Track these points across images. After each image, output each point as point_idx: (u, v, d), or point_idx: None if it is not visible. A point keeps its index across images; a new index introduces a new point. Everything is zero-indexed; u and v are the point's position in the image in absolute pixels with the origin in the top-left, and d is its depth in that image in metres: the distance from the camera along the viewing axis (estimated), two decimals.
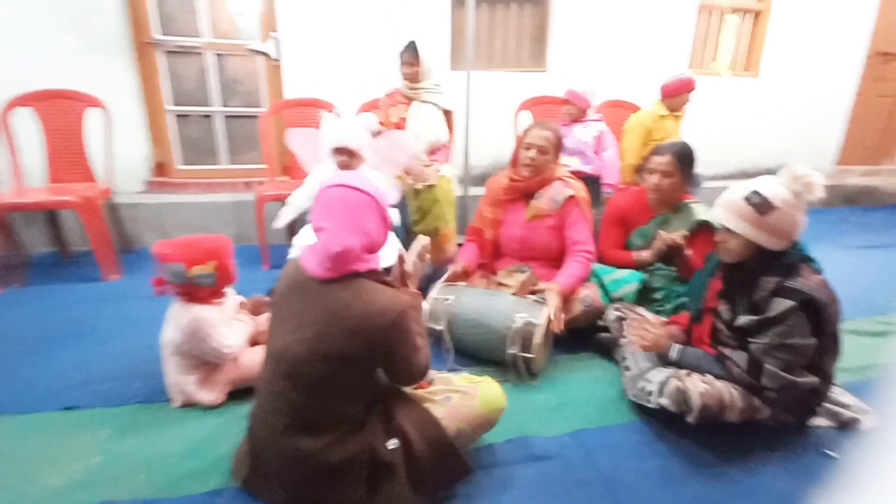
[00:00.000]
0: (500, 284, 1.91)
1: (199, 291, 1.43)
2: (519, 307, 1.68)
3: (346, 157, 1.86)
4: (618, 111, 3.21)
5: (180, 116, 3.16)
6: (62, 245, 2.77)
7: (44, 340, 1.89)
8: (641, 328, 1.53)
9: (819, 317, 1.27)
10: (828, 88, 4.19)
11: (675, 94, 2.80)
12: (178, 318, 1.43)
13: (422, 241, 1.31)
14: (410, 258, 1.26)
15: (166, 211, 2.95)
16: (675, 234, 1.75)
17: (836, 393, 1.57)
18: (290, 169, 3.02)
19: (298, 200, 2.10)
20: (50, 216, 2.71)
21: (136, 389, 1.59)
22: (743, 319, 1.35)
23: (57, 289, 2.37)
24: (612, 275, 1.90)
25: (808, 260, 1.35)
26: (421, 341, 1.14)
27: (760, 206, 1.27)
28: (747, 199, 1.29)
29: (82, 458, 1.31)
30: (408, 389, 1.24)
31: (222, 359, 1.47)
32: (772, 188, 1.29)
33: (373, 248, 1.06)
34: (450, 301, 1.75)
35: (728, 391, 1.33)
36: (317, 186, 2.06)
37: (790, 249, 1.33)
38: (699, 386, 1.32)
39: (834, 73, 4.16)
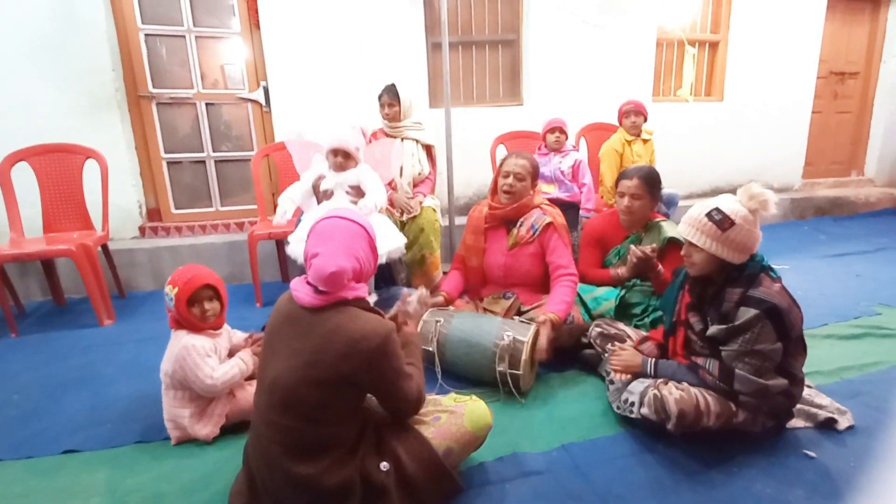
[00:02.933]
0: (487, 310, 1.98)
1: (168, 311, 1.52)
2: (506, 327, 1.75)
3: (342, 157, 1.94)
4: (599, 133, 3.44)
5: (173, 163, 3.28)
6: (57, 293, 2.81)
7: (42, 387, 1.91)
8: (615, 357, 1.62)
9: (782, 322, 1.35)
10: (788, 108, 4.44)
11: (620, 120, 3.09)
12: (172, 346, 1.50)
13: (421, 291, 1.45)
14: (413, 302, 1.36)
15: (161, 254, 3.02)
16: (645, 248, 1.85)
17: (812, 395, 1.64)
18: None
19: (293, 195, 2.17)
20: (45, 265, 2.77)
21: (134, 430, 1.61)
22: (713, 329, 1.43)
23: (53, 337, 2.40)
24: (592, 293, 1.99)
25: (768, 270, 1.45)
26: (411, 370, 1.19)
27: (721, 222, 1.37)
28: (708, 215, 1.40)
29: (81, 499, 1.32)
30: None
31: (207, 391, 1.49)
32: (730, 206, 1.39)
33: (361, 277, 1.14)
34: (440, 322, 1.82)
35: (703, 396, 1.39)
36: (309, 183, 2.16)
37: (750, 261, 1.42)
38: (674, 393, 1.39)
39: (791, 93, 4.43)
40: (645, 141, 3.09)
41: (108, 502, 1.32)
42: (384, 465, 1.14)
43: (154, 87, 3.13)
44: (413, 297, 1.41)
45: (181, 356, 1.46)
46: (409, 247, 2.55)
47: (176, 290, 1.47)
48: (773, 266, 1.47)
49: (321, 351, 1.05)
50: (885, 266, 3.19)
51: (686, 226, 1.45)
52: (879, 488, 1.30)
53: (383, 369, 1.08)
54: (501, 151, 3.36)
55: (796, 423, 1.55)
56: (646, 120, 3.06)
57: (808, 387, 1.64)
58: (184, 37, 3.13)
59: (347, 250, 1.09)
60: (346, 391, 1.09)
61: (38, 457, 1.50)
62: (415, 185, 2.71)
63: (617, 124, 3.17)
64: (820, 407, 1.59)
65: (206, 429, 1.53)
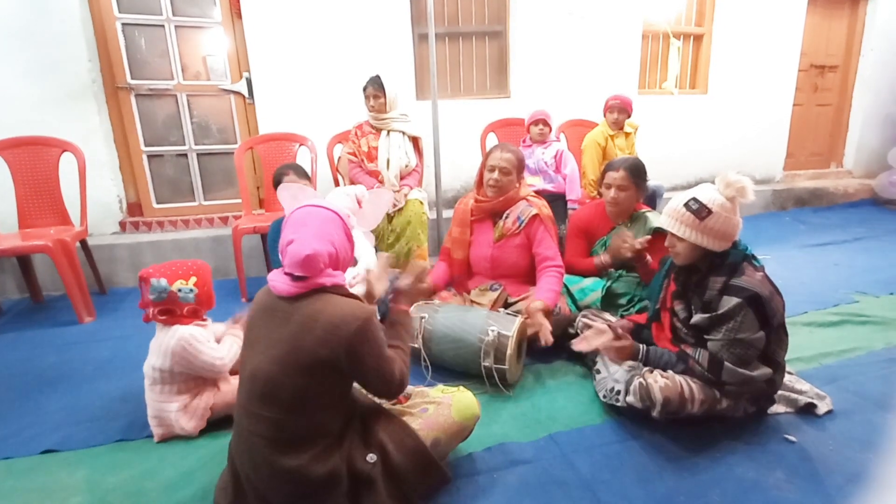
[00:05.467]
0: (474, 302, 1.98)
1: (180, 308, 1.47)
2: (491, 321, 1.75)
3: None
4: (578, 129, 3.42)
5: (154, 156, 3.21)
6: (34, 290, 2.74)
7: (20, 387, 1.86)
8: (611, 348, 1.61)
9: (764, 310, 1.38)
10: (770, 101, 4.51)
11: (605, 112, 3.09)
12: (163, 342, 1.46)
13: (384, 257, 1.45)
14: (377, 273, 1.35)
15: (142, 250, 2.95)
16: (639, 240, 1.86)
17: (793, 381, 1.67)
18: (267, 202, 3.07)
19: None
20: (21, 262, 2.69)
21: (116, 428, 1.58)
22: (697, 318, 1.45)
23: (31, 335, 2.34)
24: (579, 284, 2.00)
25: (751, 258, 1.46)
26: (394, 352, 1.18)
27: (698, 211, 1.39)
28: (686, 205, 1.41)
29: (60, 499, 1.30)
30: (385, 403, 1.28)
31: (216, 371, 1.51)
32: (708, 195, 1.41)
33: (337, 264, 1.12)
34: (425, 318, 1.81)
35: (687, 384, 1.41)
36: None
37: (732, 250, 1.44)
38: (659, 381, 1.41)
39: (773, 86, 4.49)
40: (627, 134, 3.11)
41: (88, 501, 1.29)
42: (371, 457, 1.13)
43: (132, 78, 3.04)
44: (377, 267, 1.41)
45: (179, 348, 1.44)
46: (396, 239, 2.54)
47: (195, 279, 1.47)
48: (756, 255, 1.49)
49: (300, 338, 1.04)
50: (862, 255, 3.27)
51: (667, 217, 1.47)
52: (859, 470, 1.34)
53: (363, 354, 1.06)
54: (492, 140, 3.36)
55: (777, 408, 1.58)
56: (629, 116, 3.08)
57: (789, 373, 1.68)
58: (163, 26, 3.04)
59: (322, 235, 1.08)
60: (327, 377, 1.07)
61: (17, 457, 1.47)
62: (402, 178, 2.69)
63: (596, 120, 3.18)
64: (800, 392, 1.62)
65: (192, 422, 1.51)
